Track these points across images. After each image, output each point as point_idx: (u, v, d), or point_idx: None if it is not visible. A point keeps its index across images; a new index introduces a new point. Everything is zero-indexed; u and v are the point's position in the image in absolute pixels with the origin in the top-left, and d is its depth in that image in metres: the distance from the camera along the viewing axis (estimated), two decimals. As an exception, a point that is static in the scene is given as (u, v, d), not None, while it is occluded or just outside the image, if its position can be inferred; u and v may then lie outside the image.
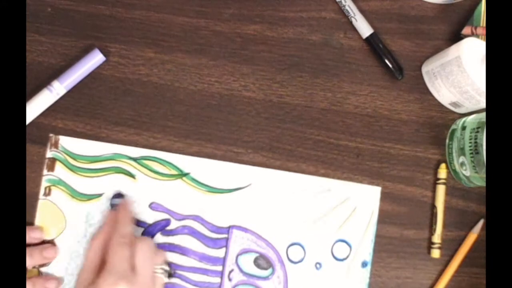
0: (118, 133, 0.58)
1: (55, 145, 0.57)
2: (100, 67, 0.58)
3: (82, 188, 0.57)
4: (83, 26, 0.59)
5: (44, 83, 0.57)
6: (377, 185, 0.58)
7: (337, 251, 0.57)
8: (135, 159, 0.57)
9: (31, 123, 0.57)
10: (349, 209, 0.57)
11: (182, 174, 0.57)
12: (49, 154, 0.57)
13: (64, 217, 0.56)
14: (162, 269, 0.52)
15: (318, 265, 0.57)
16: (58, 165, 0.57)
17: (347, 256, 0.57)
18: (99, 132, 0.58)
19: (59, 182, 0.57)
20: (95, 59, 0.57)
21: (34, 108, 0.56)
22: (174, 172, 0.57)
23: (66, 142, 0.57)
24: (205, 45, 0.59)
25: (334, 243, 0.57)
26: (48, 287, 0.54)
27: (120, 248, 0.48)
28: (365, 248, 0.57)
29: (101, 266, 0.48)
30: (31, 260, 0.54)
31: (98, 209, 0.56)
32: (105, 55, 0.57)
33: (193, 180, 0.57)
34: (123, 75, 0.59)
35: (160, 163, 0.57)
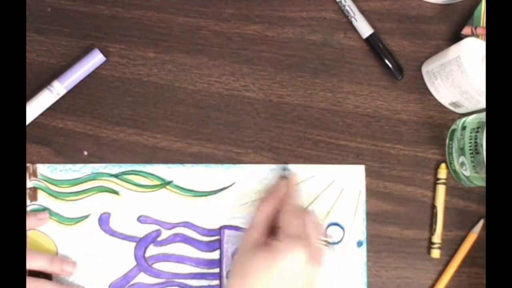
0: (118, 133, 0.58)
1: (34, 174, 0.56)
2: (100, 67, 0.58)
3: (68, 213, 0.56)
4: (83, 26, 0.59)
5: (44, 83, 0.57)
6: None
7: (331, 235, 0.57)
8: (116, 176, 0.57)
9: (31, 123, 0.57)
10: (336, 191, 0.57)
11: (165, 183, 0.57)
12: (29, 184, 0.56)
13: (54, 244, 0.56)
14: (325, 240, 0.52)
15: None
16: (40, 194, 0.56)
17: (342, 239, 0.57)
18: (99, 132, 0.58)
19: (44, 210, 0.56)
20: (95, 59, 0.57)
21: (34, 108, 0.56)
22: (157, 182, 0.57)
23: (44, 169, 0.56)
24: (205, 45, 0.59)
25: (326, 228, 0.57)
26: (65, 269, 0.54)
27: (295, 216, 0.50)
28: (358, 228, 0.57)
29: (271, 229, 0.50)
30: (50, 269, 0.54)
31: (87, 231, 0.56)
32: (105, 55, 0.57)
33: (177, 187, 0.57)
34: (123, 75, 0.59)
35: (142, 176, 0.57)
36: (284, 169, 0.57)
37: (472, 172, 0.54)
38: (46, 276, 0.54)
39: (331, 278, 0.57)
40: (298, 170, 0.58)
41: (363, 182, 0.58)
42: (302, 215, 0.50)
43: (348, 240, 0.57)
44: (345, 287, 0.57)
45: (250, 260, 0.47)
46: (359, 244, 0.57)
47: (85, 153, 0.57)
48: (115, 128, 0.58)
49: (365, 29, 0.59)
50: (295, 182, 0.56)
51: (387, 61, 0.59)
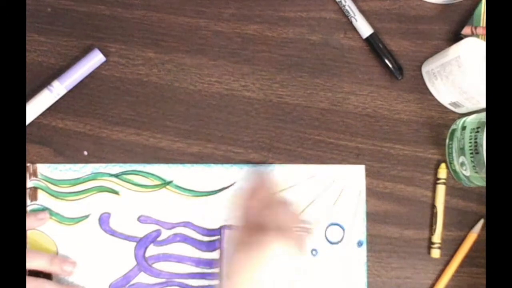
0: (118, 133, 0.58)
1: (34, 174, 0.56)
2: (100, 67, 0.58)
3: (68, 212, 0.56)
4: (83, 26, 0.59)
5: (44, 83, 0.57)
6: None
7: (331, 235, 0.57)
8: (116, 176, 0.57)
9: (31, 123, 0.57)
10: (336, 191, 0.57)
11: (165, 183, 0.57)
12: (30, 183, 0.56)
13: (54, 244, 0.56)
14: (304, 227, 0.52)
15: (314, 252, 0.57)
16: (40, 194, 0.56)
17: (342, 239, 0.57)
18: (99, 132, 0.58)
19: (44, 210, 0.56)
20: (95, 59, 0.57)
21: (34, 108, 0.56)
22: (157, 182, 0.57)
23: (44, 169, 0.56)
24: (205, 45, 0.59)
25: (326, 228, 0.57)
26: (65, 269, 0.54)
27: (269, 208, 0.49)
28: (358, 228, 0.57)
29: (251, 225, 0.50)
30: (50, 268, 0.54)
31: (87, 230, 0.56)
32: (105, 55, 0.57)
33: (177, 187, 0.57)
34: (123, 75, 0.59)
35: (142, 176, 0.57)
36: (252, 166, 0.57)
37: (472, 172, 0.54)
38: (46, 276, 0.54)
39: (331, 278, 0.57)
40: (298, 170, 0.58)
41: (363, 182, 0.58)
42: (276, 206, 0.50)
43: (348, 240, 0.57)
44: (345, 287, 0.57)
45: (235, 260, 0.47)
46: (359, 244, 0.57)
47: (85, 153, 0.57)
48: (115, 128, 0.58)
49: (365, 29, 0.59)
50: (265, 174, 0.56)
51: (387, 61, 0.59)
